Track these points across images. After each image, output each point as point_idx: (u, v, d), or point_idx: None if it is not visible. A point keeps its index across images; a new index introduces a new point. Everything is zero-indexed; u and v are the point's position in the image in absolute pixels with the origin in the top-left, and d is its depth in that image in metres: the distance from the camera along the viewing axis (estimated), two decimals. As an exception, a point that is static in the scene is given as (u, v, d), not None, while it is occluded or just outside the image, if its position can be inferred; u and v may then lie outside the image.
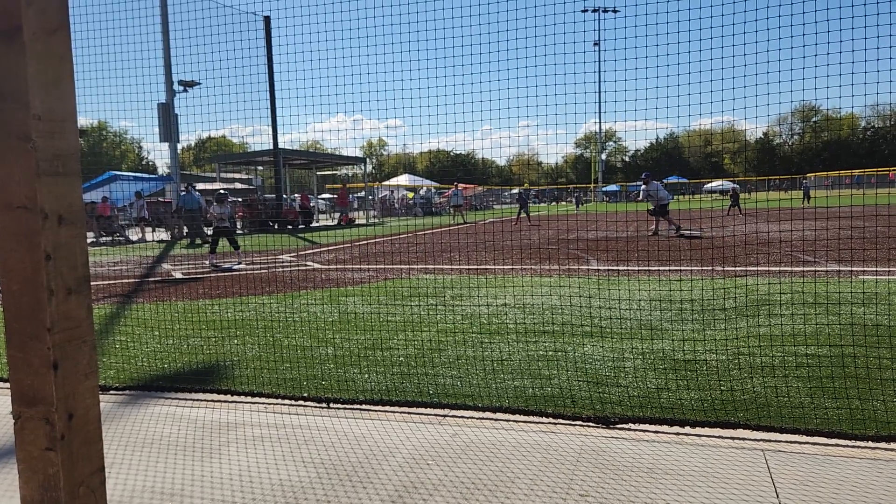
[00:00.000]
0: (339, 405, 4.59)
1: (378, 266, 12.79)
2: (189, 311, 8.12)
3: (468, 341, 6.06)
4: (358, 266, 12.95)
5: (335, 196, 36.88)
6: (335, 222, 34.44)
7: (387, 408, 4.47)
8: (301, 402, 4.68)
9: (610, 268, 11.26)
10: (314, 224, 32.55)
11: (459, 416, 4.26)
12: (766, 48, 4.98)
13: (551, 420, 4.12)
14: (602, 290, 8.43)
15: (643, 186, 19.19)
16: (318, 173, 44.31)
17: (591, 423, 4.04)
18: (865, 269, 9.78)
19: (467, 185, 47.65)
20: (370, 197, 40.99)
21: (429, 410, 4.38)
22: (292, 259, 15.03)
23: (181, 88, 27.83)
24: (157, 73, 28.32)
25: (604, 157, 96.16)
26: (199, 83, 25.06)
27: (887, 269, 9.53)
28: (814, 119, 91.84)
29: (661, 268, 10.85)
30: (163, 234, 26.16)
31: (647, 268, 10.94)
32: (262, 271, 12.69)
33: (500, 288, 9.12)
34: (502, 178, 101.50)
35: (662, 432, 3.88)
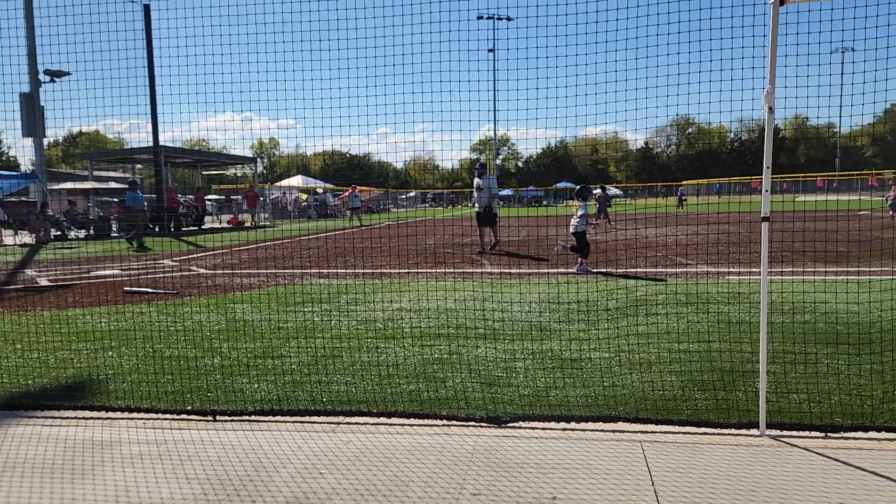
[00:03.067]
0: (227, 417, 4.41)
1: (269, 271, 12.41)
2: (57, 322, 7.50)
3: (363, 347, 6.02)
4: (247, 271, 12.50)
5: (234, 197, 35.48)
6: (222, 224, 33.09)
7: (278, 418, 4.35)
8: (185, 416, 4.45)
9: (503, 270, 11.57)
10: (200, 227, 31.04)
11: (354, 422, 4.22)
12: (646, 64, 5.32)
13: (445, 422, 4.17)
14: (495, 293, 8.64)
15: (477, 180, 15.10)
16: (203, 173, 42.34)
17: (483, 424, 4.13)
18: (730, 270, 10.66)
19: (364, 188, 47.21)
20: (261, 198, 39.64)
21: (322, 419, 4.30)
22: (175, 263, 14.26)
23: (48, 78, 25.62)
24: (20, 62, 25.91)
25: (499, 161, 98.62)
26: (70, 73, 23.19)
27: (748, 270, 10.44)
28: (688, 130, 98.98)
29: (550, 270, 11.28)
30: (27, 238, 23.98)
31: (537, 270, 11.34)
32: (141, 277, 11.94)
33: (397, 292, 9.13)
34: (399, 181, 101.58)
35: (550, 429, 4.03)
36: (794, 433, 3.73)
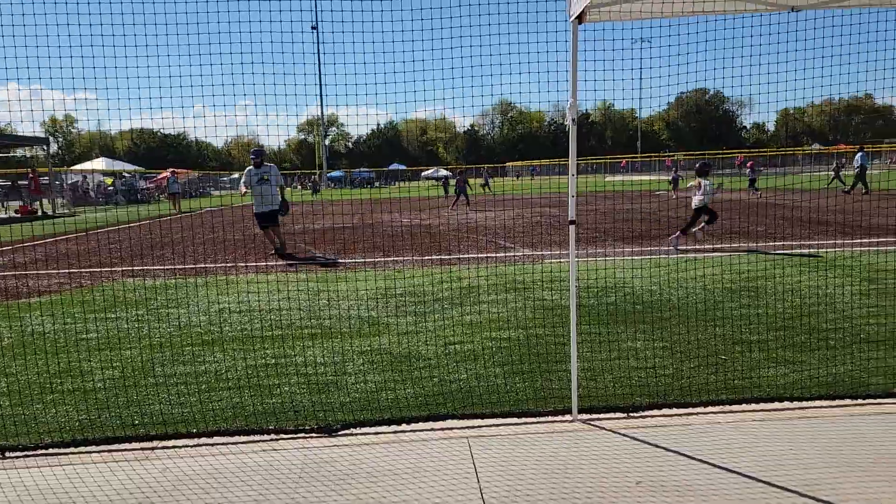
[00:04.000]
0: (18, 453, 3.88)
1: (69, 270, 11.11)
2: None
3: (181, 356, 5.60)
4: (41, 271, 11.08)
5: (21, 182, 31.08)
6: (8, 214, 29.00)
7: (81, 448, 3.91)
8: (-38, 457, 3.85)
9: (336, 260, 11.40)
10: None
11: (171, 446, 3.92)
12: (471, 52, 5.40)
13: (273, 436, 4.02)
14: (323, 288, 8.49)
15: (253, 170, 12.07)
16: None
17: (314, 434, 4.04)
18: (550, 252, 11.45)
19: (181, 171, 43.71)
20: (57, 182, 35.27)
21: (134, 445, 3.94)
22: (-50, 265, 12.24)
23: None
24: None
25: (328, 142, 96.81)
26: None
27: (561, 252, 11.28)
28: (510, 114, 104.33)
29: (381, 259, 11.33)
30: None
31: (366, 259, 11.33)
32: None
33: (220, 290, 8.62)
34: (221, 162, 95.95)
35: (382, 433, 4.05)
36: (602, 415, 4.09)
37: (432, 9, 5.16)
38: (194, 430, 4.08)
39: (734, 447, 3.55)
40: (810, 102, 78.38)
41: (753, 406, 4.09)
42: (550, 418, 4.12)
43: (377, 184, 64.73)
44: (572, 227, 3.95)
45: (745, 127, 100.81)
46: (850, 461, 3.31)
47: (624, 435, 3.80)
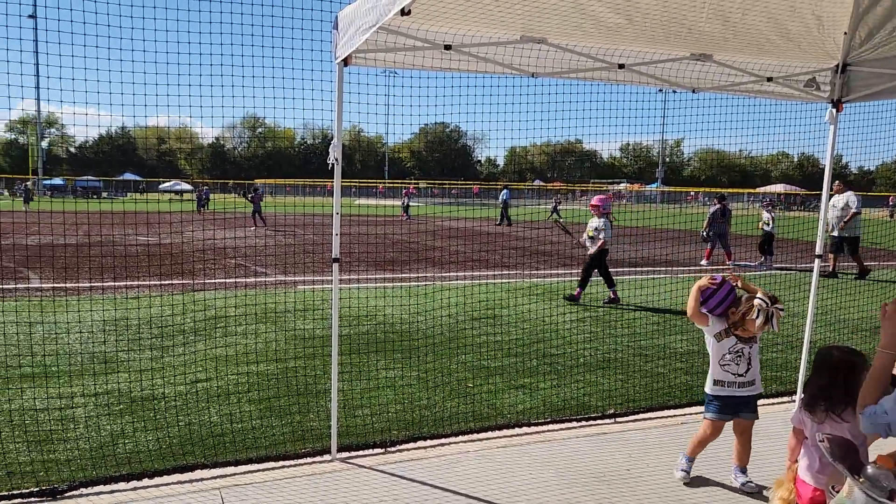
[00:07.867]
0: None
1: None
2: None
3: None
4: None
5: None
6: None
7: None
8: None
9: (55, 285, 9.85)
10: None
11: None
12: (221, 61, 5.10)
13: (-29, 512, 3.32)
14: (46, 316, 7.28)
15: None
16: None
17: (34, 498, 3.42)
18: (304, 277, 11.29)
19: None
20: None
21: None
22: None
23: None
24: None
25: (45, 144, 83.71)
26: None
27: (322, 278, 11.22)
28: (258, 130, 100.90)
29: (113, 283, 10.10)
30: None
31: (95, 284, 10.01)
32: None
33: None
34: None
35: (119, 491, 3.58)
36: (361, 453, 4.12)
37: (170, 9, 4.78)
38: None
39: (482, 475, 3.85)
40: (533, 143, 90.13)
41: (497, 433, 4.47)
42: (309, 460, 4.03)
43: (105, 194, 57.55)
44: (336, 265, 3.96)
45: (479, 160, 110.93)
46: (577, 480, 3.80)
47: (382, 471, 3.88)
